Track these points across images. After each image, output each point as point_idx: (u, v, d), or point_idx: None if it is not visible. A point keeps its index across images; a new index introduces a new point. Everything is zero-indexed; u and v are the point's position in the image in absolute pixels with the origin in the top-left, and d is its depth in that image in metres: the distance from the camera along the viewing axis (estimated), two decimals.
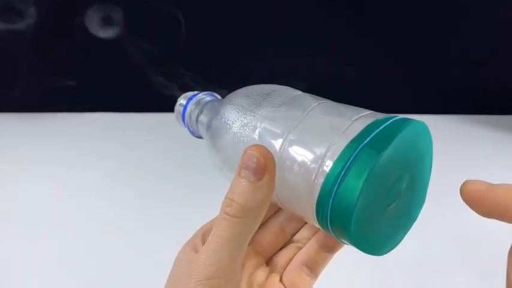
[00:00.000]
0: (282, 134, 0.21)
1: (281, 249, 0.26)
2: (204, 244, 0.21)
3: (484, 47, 0.60)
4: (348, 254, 0.40)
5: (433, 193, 0.49)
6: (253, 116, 0.23)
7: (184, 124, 0.29)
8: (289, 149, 0.20)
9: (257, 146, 0.19)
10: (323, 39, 0.59)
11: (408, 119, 0.20)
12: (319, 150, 0.19)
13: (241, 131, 0.23)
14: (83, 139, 0.60)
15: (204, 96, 0.29)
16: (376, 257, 0.21)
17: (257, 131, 0.22)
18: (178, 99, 0.30)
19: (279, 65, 0.62)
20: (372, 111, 0.21)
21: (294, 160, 0.20)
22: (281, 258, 0.25)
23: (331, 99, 0.24)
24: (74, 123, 0.63)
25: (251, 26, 0.58)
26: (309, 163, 0.19)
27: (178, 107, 0.29)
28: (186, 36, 0.59)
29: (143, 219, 0.48)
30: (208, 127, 0.26)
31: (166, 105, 0.61)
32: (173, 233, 0.45)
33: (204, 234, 0.24)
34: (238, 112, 0.23)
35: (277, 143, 0.21)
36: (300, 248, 0.25)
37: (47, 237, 0.45)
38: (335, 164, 0.18)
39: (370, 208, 0.19)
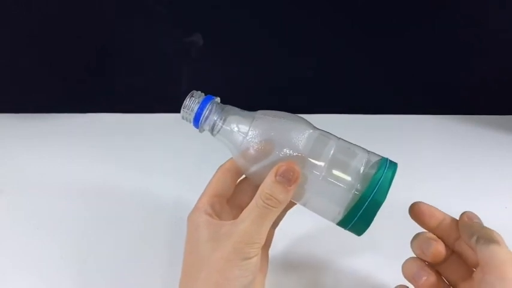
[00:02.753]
0: (321, 164, 0.30)
1: None
2: (216, 214, 0.31)
3: (484, 46, 0.60)
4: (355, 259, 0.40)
5: (434, 192, 0.49)
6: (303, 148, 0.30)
7: (198, 125, 0.31)
8: (333, 164, 0.29)
9: (292, 164, 0.28)
10: (324, 40, 0.59)
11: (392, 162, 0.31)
12: (357, 168, 0.30)
13: (289, 157, 0.29)
14: (83, 139, 0.60)
15: (217, 101, 0.32)
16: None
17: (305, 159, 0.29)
18: (194, 95, 0.31)
19: (273, 64, 0.62)
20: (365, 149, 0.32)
21: (338, 171, 0.29)
22: None
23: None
24: (74, 123, 0.63)
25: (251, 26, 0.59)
26: (349, 177, 0.29)
27: (190, 107, 0.31)
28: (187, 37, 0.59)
29: (144, 219, 0.48)
30: (249, 147, 0.30)
31: (166, 106, 0.62)
32: (174, 233, 0.45)
33: (212, 205, 0.31)
34: (291, 145, 0.30)
35: (323, 160, 0.30)
36: None
37: (48, 238, 0.45)
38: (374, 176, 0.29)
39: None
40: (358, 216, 0.28)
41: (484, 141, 0.61)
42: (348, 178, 0.29)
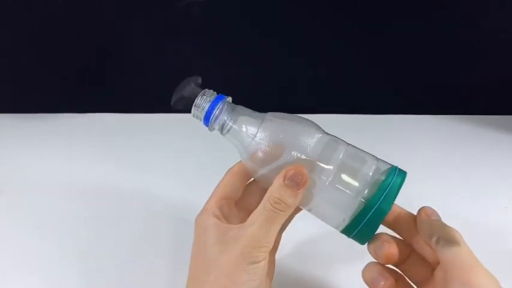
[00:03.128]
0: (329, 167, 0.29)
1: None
2: (224, 217, 0.30)
3: (484, 46, 0.60)
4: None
5: (434, 192, 0.49)
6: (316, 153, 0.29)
7: (209, 115, 0.31)
8: (343, 166, 0.29)
9: (301, 167, 0.28)
10: (324, 40, 0.59)
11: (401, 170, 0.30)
12: (368, 170, 0.29)
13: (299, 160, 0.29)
14: (83, 139, 0.60)
15: (228, 100, 0.32)
16: None
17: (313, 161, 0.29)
18: (206, 93, 0.31)
19: (273, 64, 0.62)
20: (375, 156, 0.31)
21: (346, 177, 0.29)
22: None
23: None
24: (74, 123, 0.63)
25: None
26: (357, 181, 0.29)
27: (206, 98, 0.31)
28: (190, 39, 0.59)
29: (144, 219, 0.48)
30: (257, 149, 0.30)
31: (166, 106, 0.61)
32: (174, 233, 0.45)
33: (220, 208, 0.31)
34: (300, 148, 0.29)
35: (334, 162, 0.29)
36: None
37: (48, 238, 0.45)
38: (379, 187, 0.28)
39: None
40: (363, 224, 0.28)
41: (484, 141, 0.61)
42: (356, 184, 0.28)
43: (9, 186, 0.52)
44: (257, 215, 0.28)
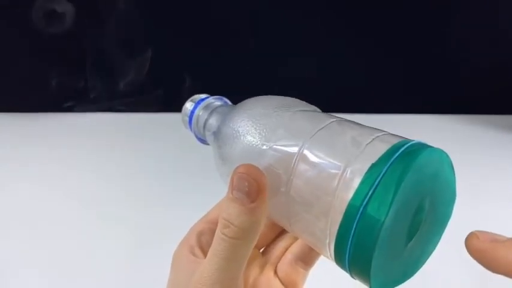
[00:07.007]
0: (296, 144, 0.20)
1: (278, 236, 0.26)
2: (200, 247, 0.23)
3: (485, 46, 0.60)
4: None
5: None
6: (267, 130, 0.21)
7: (191, 129, 0.28)
8: (303, 163, 0.19)
9: (247, 167, 0.19)
10: (324, 40, 0.59)
11: (426, 145, 0.18)
12: (339, 165, 0.18)
13: (253, 143, 0.21)
14: (83, 139, 0.60)
15: (214, 101, 0.28)
16: None
17: (270, 145, 0.21)
18: (186, 102, 0.28)
19: (277, 64, 0.62)
20: (387, 132, 0.20)
21: (308, 175, 0.19)
22: (276, 249, 0.25)
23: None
24: (74, 123, 0.63)
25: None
26: (326, 177, 0.18)
27: (185, 110, 0.28)
28: (191, 37, 0.59)
29: (144, 219, 0.47)
30: (217, 135, 0.24)
31: (166, 106, 0.62)
32: (172, 234, 0.45)
33: (199, 235, 0.24)
34: (252, 123, 0.22)
35: (290, 157, 0.20)
36: (295, 238, 0.25)
37: (47, 237, 0.45)
38: (361, 185, 0.17)
39: (393, 241, 0.17)
40: (351, 243, 0.17)
41: (484, 141, 0.61)
42: (332, 181, 0.18)
43: (8, 186, 0.52)
44: (211, 248, 0.20)
